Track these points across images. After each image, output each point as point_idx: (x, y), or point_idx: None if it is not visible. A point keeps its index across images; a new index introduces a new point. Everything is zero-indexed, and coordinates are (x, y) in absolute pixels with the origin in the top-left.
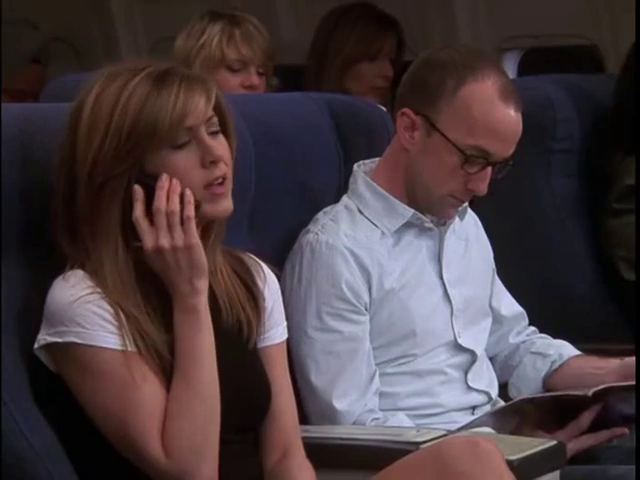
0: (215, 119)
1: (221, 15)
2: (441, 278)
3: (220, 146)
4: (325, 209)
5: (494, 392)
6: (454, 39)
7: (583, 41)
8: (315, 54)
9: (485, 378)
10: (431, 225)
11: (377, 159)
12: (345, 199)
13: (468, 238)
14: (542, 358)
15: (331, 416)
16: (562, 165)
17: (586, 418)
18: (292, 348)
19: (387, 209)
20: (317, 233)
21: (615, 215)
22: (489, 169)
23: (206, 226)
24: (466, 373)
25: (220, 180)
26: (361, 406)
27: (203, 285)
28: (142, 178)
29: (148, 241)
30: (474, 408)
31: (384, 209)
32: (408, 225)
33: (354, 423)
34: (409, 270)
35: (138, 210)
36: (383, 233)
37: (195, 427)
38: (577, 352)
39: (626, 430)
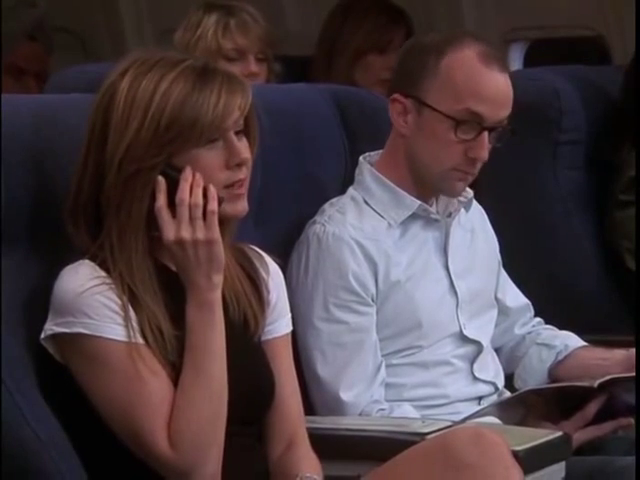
0: (241, 120)
1: (216, 6)
2: (447, 269)
3: (245, 149)
4: (331, 200)
5: (500, 383)
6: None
7: (589, 32)
8: (324, 44)
9: (491, 369)
10: (437, 216)
11: (382, 151)
12: (351, 190)
13: (474, 229)
14: (548, 349)
15: (337, 407)
16: (568, 157)
17: (592, 409)
18: (298, 339)
19: (393, 200)
20: (324, 224)
21: (621, 206)
22: (485, 134)
23: (220, 224)
24: (472, 364)
25: (240, 182)
26: (367, 397)
27: (219, 280)
28: (165, 170)
29: (169, 232)
30: (480, 398)
31: (390, 200)
32: (414, 217)
33: (360, 414)
34: (415, 261)
35: (161, 200)
36: (389, 224)
37: (203, 422)
38: (583, 343)
39: (632, 420)
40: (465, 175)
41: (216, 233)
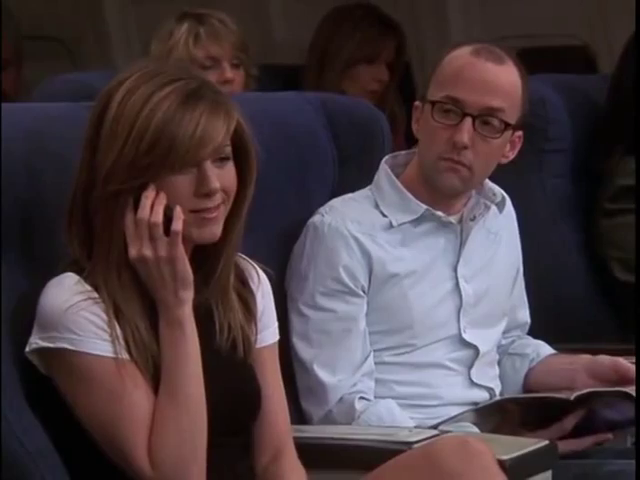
0: (228, 148)
1: (188, 15)
2: (455, 271)
3: (220, 177)
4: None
5: (497, 389)
6: (446, 39)
7: (575, 41)
8: (315, 53)
9: (490, 375)
10: (449, 219)
11: (409, 151)
12: (366, 190)
13: (499, 232)
14: (521, 358)
15: (318, 391)
16: (554, 165)
17: (570, 422)
18: (288, 325)
19: (401, 203)
20: (323, 214)
21: (608, 215)
22: (467, 120)
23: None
24: (469, 368)
25: (209, 210)
26: (349, 384)
27: (187, 296)
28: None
29: (132, 249)
30: (476, 404)
31: (398, 203)
32: (424, 218)
33: (340, 399)
34: (418, 260)
35: (127, 218)
36: (390, 223)
37: (180, 439)
38: (553, 351)
39: (610, 436)
40: (453, 165)
41: (179, 251)
